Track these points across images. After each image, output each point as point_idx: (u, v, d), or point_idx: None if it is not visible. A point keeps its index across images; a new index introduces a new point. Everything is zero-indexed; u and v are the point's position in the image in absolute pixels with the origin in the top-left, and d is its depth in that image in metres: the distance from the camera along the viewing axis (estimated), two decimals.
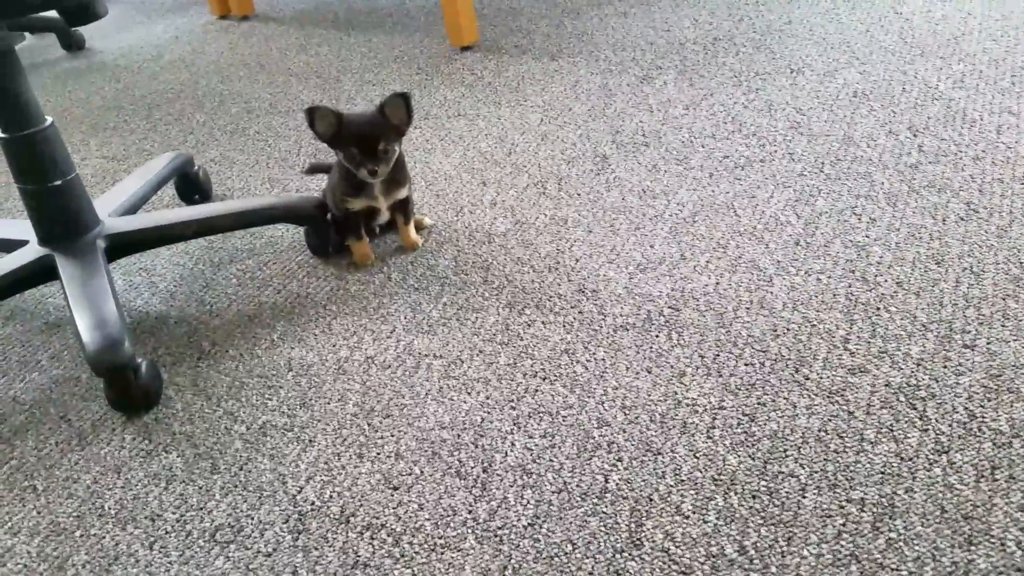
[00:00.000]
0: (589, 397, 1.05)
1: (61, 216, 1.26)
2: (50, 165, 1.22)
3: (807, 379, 1.02)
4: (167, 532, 0.95)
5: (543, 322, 1.19)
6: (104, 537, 0.96)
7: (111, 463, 1.06)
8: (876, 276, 1.18)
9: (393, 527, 0.92)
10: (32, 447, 1.10)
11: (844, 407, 0.97)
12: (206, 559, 0.91)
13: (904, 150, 1.47)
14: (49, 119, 1.22)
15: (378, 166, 1.28)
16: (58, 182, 1.23)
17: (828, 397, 0.99)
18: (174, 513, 0.97)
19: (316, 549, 0.90)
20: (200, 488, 1.00)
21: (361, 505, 0.95)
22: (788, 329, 1.11)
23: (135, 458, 1.06)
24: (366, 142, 1.27)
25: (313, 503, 0.96)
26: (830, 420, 0.96)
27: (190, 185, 1.65)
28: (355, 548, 0.90)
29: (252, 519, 0.95)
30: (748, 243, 1.29)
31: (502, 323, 1.20)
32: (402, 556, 0.88)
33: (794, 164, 1.48)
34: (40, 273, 1.25)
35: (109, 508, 0.99)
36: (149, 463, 1.05)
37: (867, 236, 1.26)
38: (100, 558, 0.93)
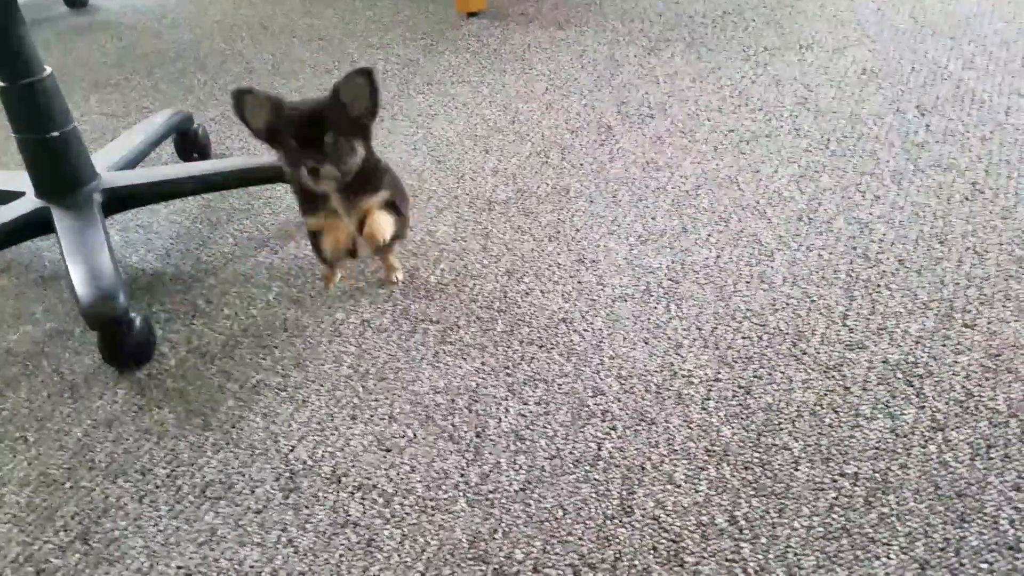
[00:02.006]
0: (585, 366, 1.04)
1: (58, 168, 1.24)
2: (48, 116, 1.20)
3: (804, 354, 1.02)
4: (157, 486, 0.95)
5: (541, 291, 1.18)
6: (94, 489, 0.96)
7: (103, 417, 1.05)
8: (878, 253, 1.17)
9: (384, 488, 0.92)
10: (24, 399, 1.10)
11: (840, 382, 0.97)
12: (195, 514, 0.91)
13: (911, 129, 1.46)
14: (48, 69, 1.20)
15: (321, 163, 0.96)
16: (56, 133, 1.21)
17: (825, 372, 0.99)
18: (164, 468, 0.97)
19: (307, 507, 0.90)
20: (191, 444, 1.00)
21: (353, 465, 0.95)
22: (787, 304, 1.10)
23: (127, 413, 1.06)
24: (306, 130, 0.97)
25: (305, 462, 0.96)
26: (826, 395, 0.95)
27: (189, 143, 1.64)
28: (346, 507, 0.90)
29: (243, 476, 0.95)
30: (750, 217, 1.28)
31: (500, 290, 1.19)
32: (392, 516, 0.88)
33: (800, 140, 1.47)
34: (36, 225, 1.24)
35: (100, 461, 0.99)
36: (141, 418, 1.04)
37: (871, 213, 1.25)
38: (89, 510, 0.93)
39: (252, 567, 0.84)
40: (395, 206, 1.11)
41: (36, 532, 0.91)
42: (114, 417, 1.05)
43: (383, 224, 1.06)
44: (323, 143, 0.97)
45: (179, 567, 0.85)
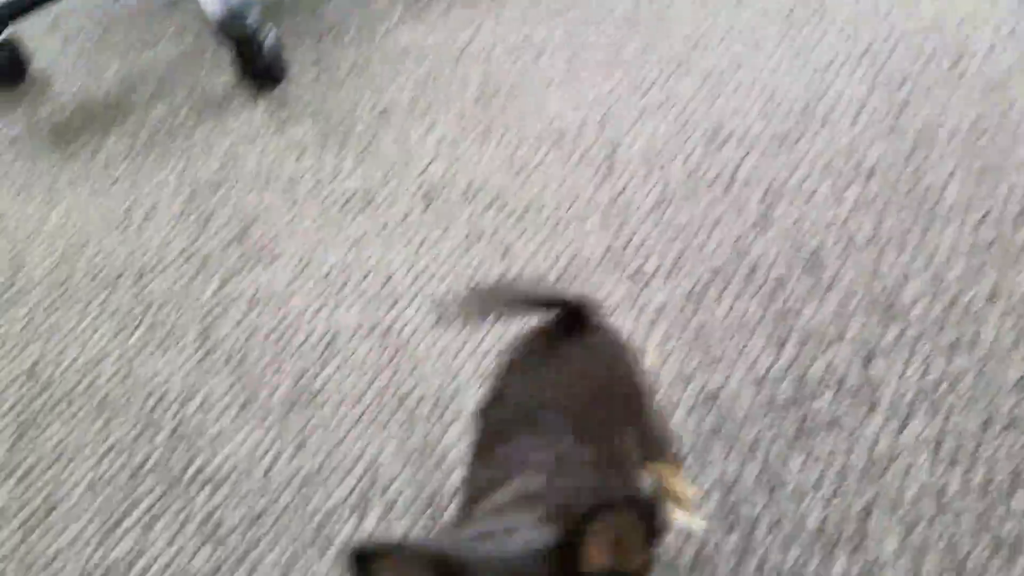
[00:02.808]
0: (723, 87, 1.01)
1: None
2: None
3: (964, 75, 0.95)
4: (304, 195, 0.99)
5: (679, 8, 1.12)
6: (244, 197, 1.01)
7: (245, 132, 1.09)
8: None
9: (516, 206, 0.93)
10: (165, 116, 1.14)
11: (1000, 103, 0.91)
12: (342, 222, 0.95)
13: None
14: None
15: None
16: None
17: (984, 92, 0.92)
18: (310, 179, 1.01)
19: (444, 218, 0.93)
20: (332, 159, 1.03)
21: (485, 184, 0.96)
22: (947, 24, 1.01)
23: (267, 128, 1.09)
24: None
25: (441, 177, 0.98)
26: (984, 115, 0.90)
27: None
28: (479, 220, 0.92)
29: (384, 190, 0.98)
30: None
31: (632, 8, 1.14)
32: (526, 231, 0.90)
33: None
34: None
35: (247, 172, 1.04)
36: (282, 134, 1.07)
37: None
38: (243, 215, 0.99)
39: (398, 269, 0.89)
40: None
41: (195, 233, 0.98)
42: (256, 133, 1.08)
43: None
44: None
45: (331, 266, 0.91)
